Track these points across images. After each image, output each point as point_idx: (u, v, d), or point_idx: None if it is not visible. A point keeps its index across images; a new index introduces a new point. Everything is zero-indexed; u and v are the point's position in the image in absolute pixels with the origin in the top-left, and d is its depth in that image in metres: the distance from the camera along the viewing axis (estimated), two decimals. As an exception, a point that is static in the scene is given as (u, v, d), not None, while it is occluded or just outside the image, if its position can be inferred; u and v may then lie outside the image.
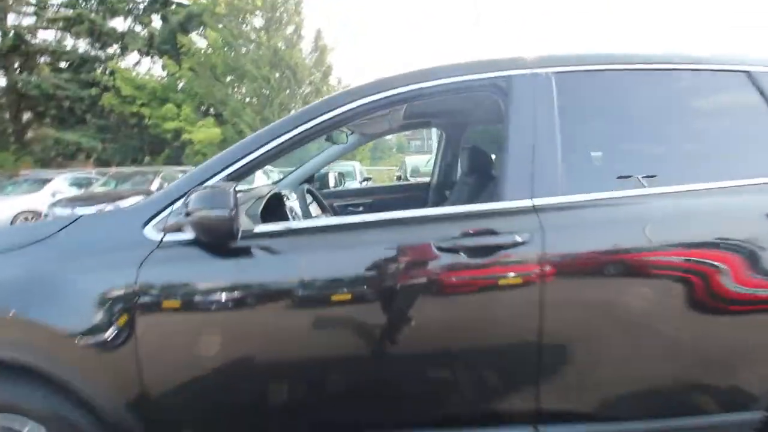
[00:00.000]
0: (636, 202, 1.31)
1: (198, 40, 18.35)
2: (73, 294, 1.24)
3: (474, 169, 2.63)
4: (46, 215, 4.95)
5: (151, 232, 1.29)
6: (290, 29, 17.02)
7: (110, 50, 19.14)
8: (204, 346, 1.26)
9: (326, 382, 1.33)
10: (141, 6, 19.76)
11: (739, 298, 1.27)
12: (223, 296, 1.26)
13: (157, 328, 1.26)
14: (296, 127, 1.38)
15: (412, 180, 10.06)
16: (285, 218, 1.99)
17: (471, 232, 1.29)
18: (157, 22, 19.79)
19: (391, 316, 1.28)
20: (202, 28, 18.18)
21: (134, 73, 18.04)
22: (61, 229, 1.34)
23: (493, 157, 2.69)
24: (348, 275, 1.28)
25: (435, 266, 1.26)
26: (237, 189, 1.26)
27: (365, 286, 1.28)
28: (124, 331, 1.22)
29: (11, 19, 18.39)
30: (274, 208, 1.89)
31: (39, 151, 18.71)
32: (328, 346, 1.30)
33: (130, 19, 19.69)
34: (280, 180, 3.23)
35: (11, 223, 8.30)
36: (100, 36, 18.38)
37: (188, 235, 1.27)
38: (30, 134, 19.65)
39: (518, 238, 1.25)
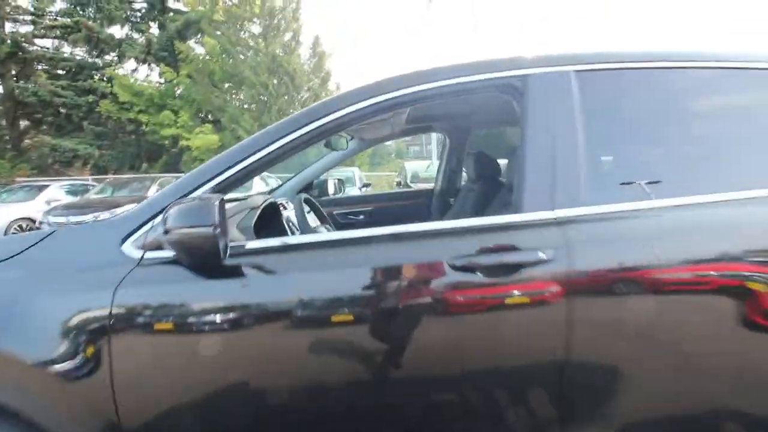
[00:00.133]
0: (659, 214, 1.18)
1: (196, 47, 18.34)
2: (42, 319, 1.10)
3: (480, 176, 2.53)
4: (40, 223, 4.84)
5: (130, 250, 1.16)
6: (288, 36, 17.06)
7: (108, 57, 19.02)
8: (187, 378, 1.12)
9: (327, 423, 1.18)
10: (139, 13, 19.72)
11: None
12: (210, 323, 1.12)
13: (134, 357, 1.11)
14: (293, 132, 1.25)
15: (413, 186, 9.98)
16: (281, 230, 1.86)
17: (490, 248, 1.15)
18: (154, 29, 19.73)
19: (401, 346, 1.14)
20: (199, 35, 18.15)
21: (132, 80, 17.96)
22: (33, 245, 1.20)
23: (501, 162, 2.58)
24: (350, 296, 1.14)
25: (447, 287, 1.13)
26: (226, 199, 1.13)
27: (370, 312, 1.14)
28: (96, 359, 1.08)
29: (8, 27, 18.35)
30: (269, 220, 1.77)
31: (36, 159, 18.54)
32: (329, 379, 1.15)
33: (127, 27, 19.64)
34: (277, 188, 3.06)
35: (5, 231, 8.15)
36: (98, 43, 18.26)
37: (171, 252, 1.14)
38: (27, 141, 19.51)
39: (542, 255, 1.12)
